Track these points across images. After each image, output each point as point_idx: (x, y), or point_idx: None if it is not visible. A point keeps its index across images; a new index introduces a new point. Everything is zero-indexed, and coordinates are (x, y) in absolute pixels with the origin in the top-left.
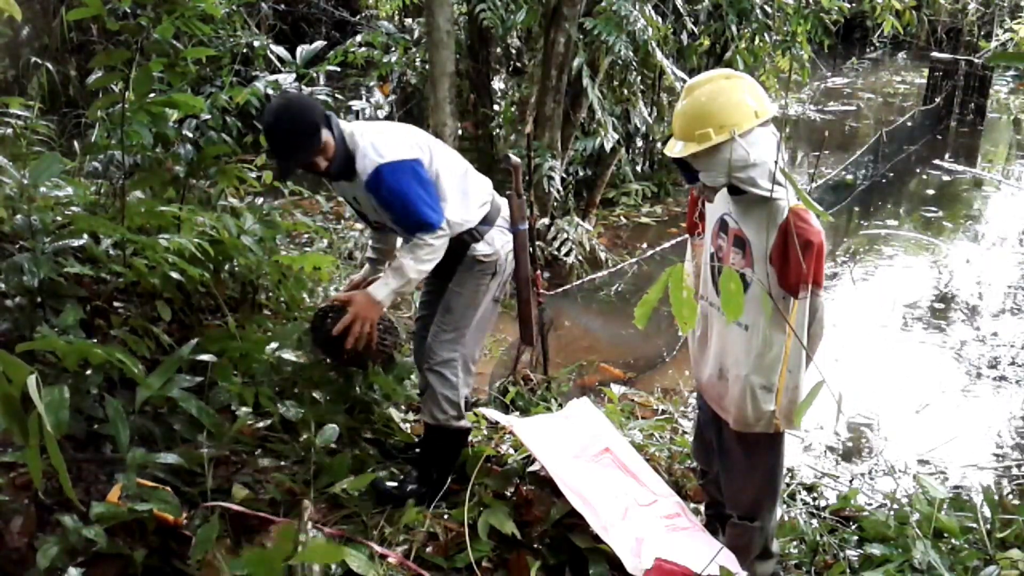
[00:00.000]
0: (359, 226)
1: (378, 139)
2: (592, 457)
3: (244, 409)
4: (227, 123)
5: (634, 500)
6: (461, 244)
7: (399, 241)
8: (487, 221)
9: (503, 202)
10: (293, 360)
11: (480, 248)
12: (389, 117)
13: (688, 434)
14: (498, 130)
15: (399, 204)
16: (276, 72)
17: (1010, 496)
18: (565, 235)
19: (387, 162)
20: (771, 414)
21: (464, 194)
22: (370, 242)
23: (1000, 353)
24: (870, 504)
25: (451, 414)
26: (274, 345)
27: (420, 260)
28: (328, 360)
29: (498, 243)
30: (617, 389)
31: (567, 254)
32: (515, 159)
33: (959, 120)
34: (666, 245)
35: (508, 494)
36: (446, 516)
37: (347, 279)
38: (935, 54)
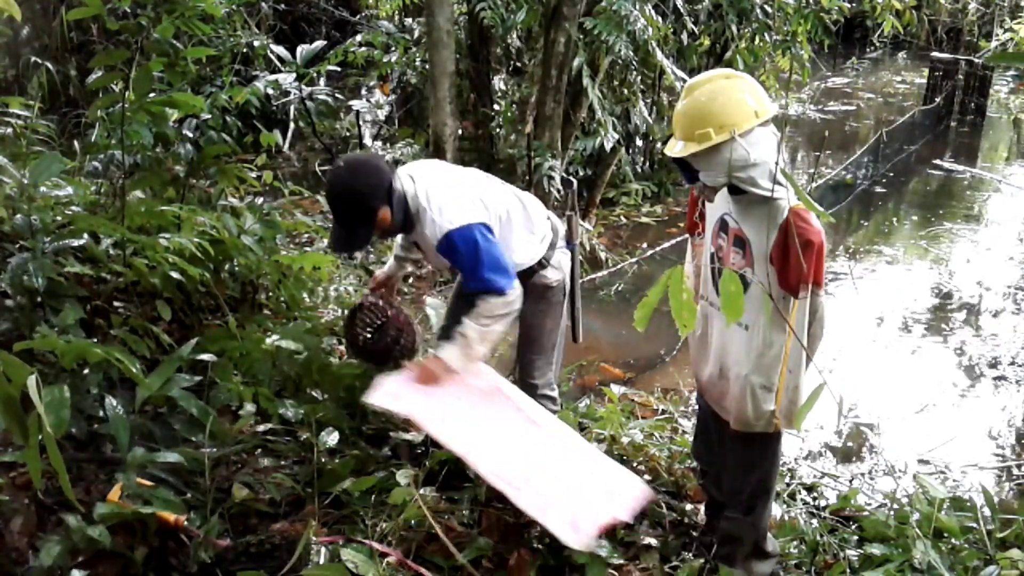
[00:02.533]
0: None
1: (446, 203)
2: (482, 396)
3: (244, 409)
4: (227, 123)
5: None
6: (529, 272)
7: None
8: (551, 246)
9: (558, 221)
10: (294, 353)
11: (550, 275)
12: (389, 117)
13: (688, 434)
14: (498, 130)
15: (469, 266)
16: (276, 72)
17: (1009, 495)
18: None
19: (456, 228)
20: (771, 414)
21: (531, 232)
22: (400, 239)
23: (1000, 353)
24: (870, 504)
25: None
26: (274, 337)
27: (495, 322)
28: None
29: (564, 265)
30: (617, 389)
31: None
32: (569, 179)
33: (959, 120)
34: (666, 245)
35: None
36: (447, 516)
37: (370, 279)
38: (935, 54)
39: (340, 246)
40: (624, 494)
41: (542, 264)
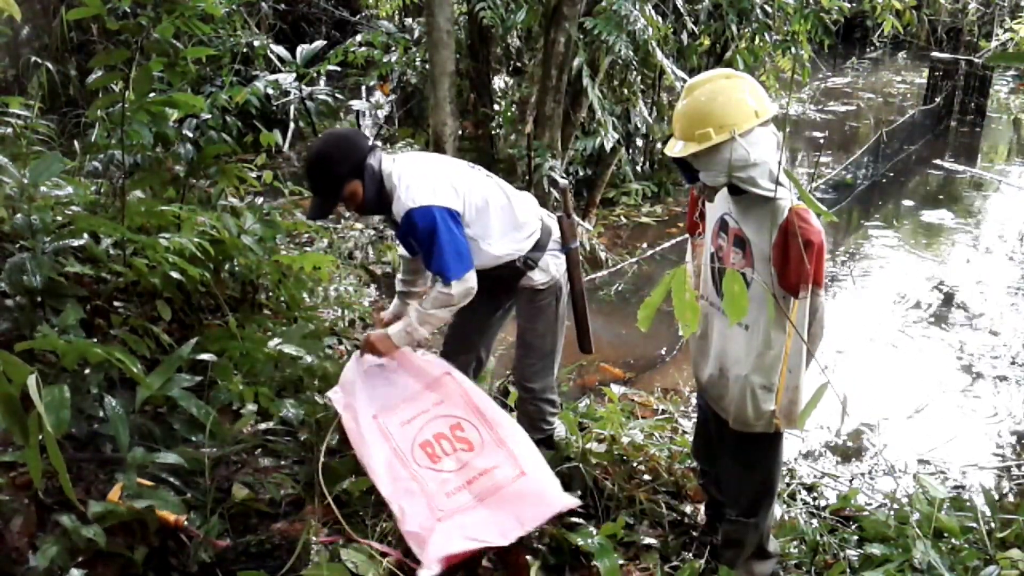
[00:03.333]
0: (359, 225)
1: (414, 182)
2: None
3: (245, 408)
4: (227, 123)
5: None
6: (515, 272)
7: (429, 279)
8: (539, 247)
9: (553, 223)
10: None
11: (536, 276)
12: (389, 117)
13: (688, 434)
14: (498, 130)
15: (426, 248)
16: (276, 72)
17: (1008, 494)
18: None
19: (418, 207)
20: (771, 414)
21: (513, 227)
22: (400, 275)
23: (1000, 353)
24: (870, 504)
25: (549, 427)
26: (276, 341)
27: (438, 309)
28: None
29: (553, 268)
30: (617, 389)
31: None
32: (563, 182)
33: (959, 120)
34: (666, 245)
35: None
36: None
37: (374, 319)
38: (935, 54)
39: (311, 213)
40: (537, 506)
41: (528, 265)
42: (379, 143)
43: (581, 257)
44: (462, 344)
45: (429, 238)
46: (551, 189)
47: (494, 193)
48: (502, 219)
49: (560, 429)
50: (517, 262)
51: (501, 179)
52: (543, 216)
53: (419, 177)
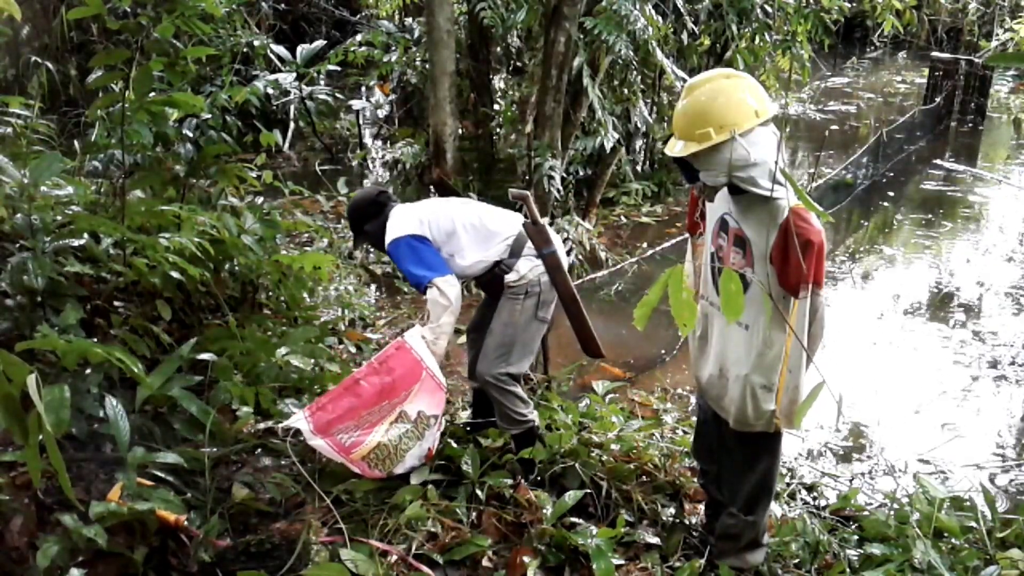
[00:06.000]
0: None
1: (391, 225)
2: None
3: (244, 409)
4: (227, 122)
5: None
6: (496, 277)
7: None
8: (514, 253)
9: (535, 233)
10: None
11: (509, 276)
12: (389, 116)
13: (688, 434)
14: (498, 129)
15: (402, 267)
16: (276, 71)
17: (1006, 493)
18: (565, 235)
19: (391, 240)
20: (771, 414)
21: (485, 240)
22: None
23: (1000, 353)
24: (870, 504)
25: (521, 419)
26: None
27: (436, 319)
28: None
29: (524, 269)
30: (600, 387)
31: (567, 254)
32: (521, 192)
33: (959, 120)
34: (666, 245)
35: (508, 494)
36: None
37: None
38: (935, 54)
39: (353, 244)
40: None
41: (503, 269)
42: (396, 199)
43: (581, 257)
44: (478, 335)
45: (400, 261)
46: (556, 188)
47: (465, 215)
48: (471, 236)
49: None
50: (494, 268)
51: (482, 201)
52: (521, 229)
53: (395, 219)
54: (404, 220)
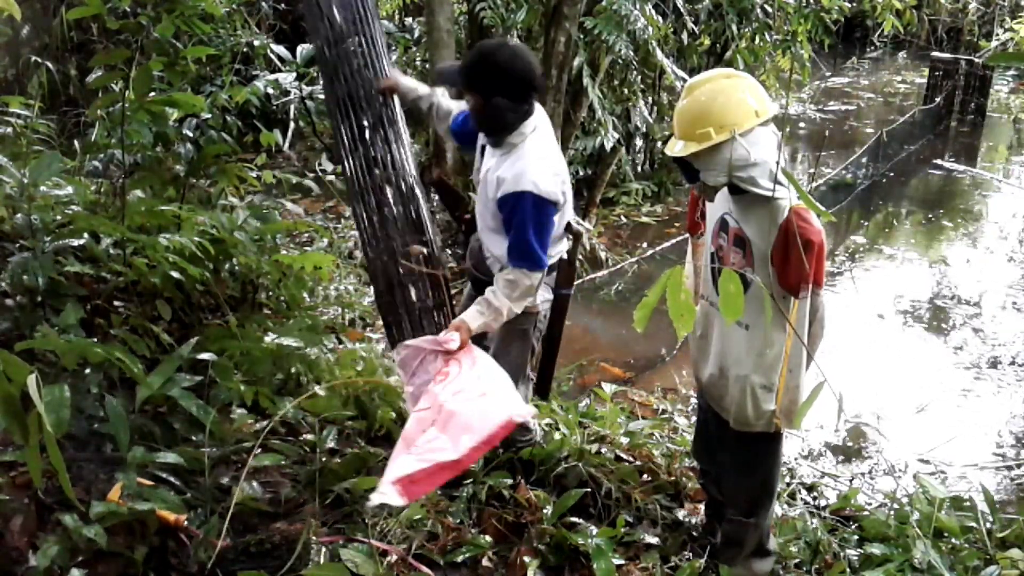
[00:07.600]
0: None
1: (536, 166)
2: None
3: (236, 412)
4: (227, 122)
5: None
6: None
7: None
8: (547, 271)
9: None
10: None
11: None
12: None
13: (688, 434)
14: None
15: (518, 230)
16: (276, 71)
17: (1010, 494)
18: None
19: (526, 188)
20: (771, 414)
21: (556, 242)
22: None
23: (1000, 353)
24: (870, 504)
25: (522, 444)
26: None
27: (515, 299)
28: None
29: (539, 298)
30: (609, 388)
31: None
32: (580, 227)
33: (959, 120)
34: (666, 245)
35: (508, 494)
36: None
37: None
38: (935, 54)
39: (442, 71)
40: (489, 418)
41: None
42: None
43: (581, 257)
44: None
45: (522, 218)
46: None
47: (569, 199)
48: (558, 228)
49: (563, 428)
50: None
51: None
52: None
53: (535, 155)
54: (546, 169)
